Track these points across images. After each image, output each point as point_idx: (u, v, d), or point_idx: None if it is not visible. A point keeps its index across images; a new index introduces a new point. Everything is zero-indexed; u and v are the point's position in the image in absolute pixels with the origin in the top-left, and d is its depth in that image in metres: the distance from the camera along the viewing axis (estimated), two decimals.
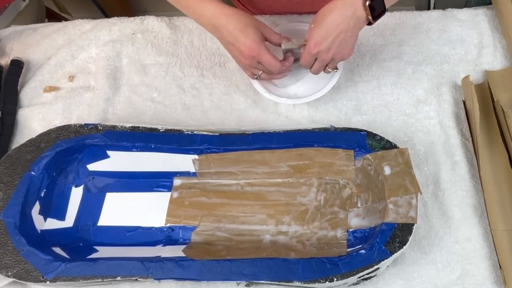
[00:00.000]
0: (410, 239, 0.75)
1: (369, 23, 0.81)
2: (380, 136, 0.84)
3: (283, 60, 0.86)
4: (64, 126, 0.88)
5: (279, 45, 0.86)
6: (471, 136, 0.90)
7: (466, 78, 0.92)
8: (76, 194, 0.89)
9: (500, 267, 0.79)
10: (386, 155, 0.82)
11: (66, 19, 1.25)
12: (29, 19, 1.35)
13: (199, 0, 0.82)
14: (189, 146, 0.86)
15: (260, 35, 0.82)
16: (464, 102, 0.93)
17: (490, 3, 1.04)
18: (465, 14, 1.04)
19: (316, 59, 0.83)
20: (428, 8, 1.58)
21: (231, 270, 0.76)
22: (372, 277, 0.79)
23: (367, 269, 0.74)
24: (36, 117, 0.99)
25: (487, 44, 1.00)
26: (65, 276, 0.77)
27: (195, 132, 0.87)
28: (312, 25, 0.81)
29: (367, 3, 0.77)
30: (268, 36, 0.85)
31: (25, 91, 1.03)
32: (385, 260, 0.74)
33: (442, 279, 0.81)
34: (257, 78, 0.88)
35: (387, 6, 0.80)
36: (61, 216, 0.88)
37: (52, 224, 0.87)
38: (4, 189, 0.83)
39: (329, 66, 0.86)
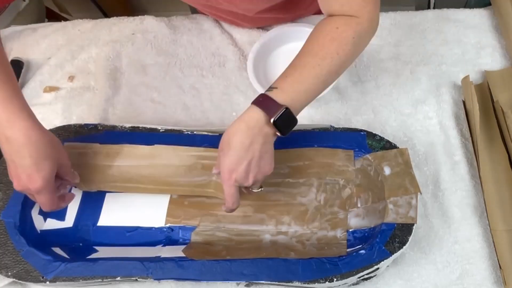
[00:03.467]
0: (410, 239, 0.75)
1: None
2: (380, 136, 0.84)
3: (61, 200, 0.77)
4: (64, 126, 0.89)
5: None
6: (471, 136, 0.90)
7: (466, 78, 0.92)
8: (76, 194, 0.89)
9: (500, 267, 0.79)
10: (386, 155, 0.82)
11: (66, 19, 1.25)
12: (29, 19, 1.35)
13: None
14: (189, 146, 0.86)
15: (53, 173, 0.73)
16: (464, 102, 0.93)
17: (490, 4, 1.04)
18: (462, 14, 1.04)
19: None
20: (428, 8, 1.58)
21: (231, 270, 0.76)
22: (372, 277, 0.79)
23: (367, 269, 0.74)
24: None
25: (486, 44, 1.00)
26: (65, 276, 0.77)
27: (195, 132, 0.87)
28: (219, 154, 0.74)
29: (272, 120, 0.70)
30: (63, 175, 0.77)
31: (25, 91, 1.03)
32: (385, 260, 0.74)
33: (442, 279, 0.81)
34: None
35: (297, 115, 0.73)
36: (61, 216, 0.88)
37: (52, 224, 0.87)
38: (4, 189, 0.83)
39: (252, 187, 0.78)
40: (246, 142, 0.71)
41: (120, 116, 0.99)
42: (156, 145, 0.86)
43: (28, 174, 0.70)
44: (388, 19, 1.04)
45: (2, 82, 0.70)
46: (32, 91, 1.03)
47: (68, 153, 0.77)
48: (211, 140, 0.86)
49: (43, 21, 1.45)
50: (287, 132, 0.73)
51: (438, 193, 0.87)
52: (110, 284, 0.82)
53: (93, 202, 0.89)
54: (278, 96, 0.71)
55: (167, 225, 0.87)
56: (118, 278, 0.77)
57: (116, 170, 0.85)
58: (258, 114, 0.71)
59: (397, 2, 1.42)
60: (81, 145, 0.86)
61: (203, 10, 1.07)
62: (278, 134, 0.73)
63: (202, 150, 0.86)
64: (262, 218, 0.86)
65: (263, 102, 0.71)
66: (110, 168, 0.87)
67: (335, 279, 0.73)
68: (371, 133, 0.84)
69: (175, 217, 0.87)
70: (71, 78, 1.04)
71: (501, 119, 0.87)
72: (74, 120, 0.99)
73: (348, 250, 0.81)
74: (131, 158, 0.86)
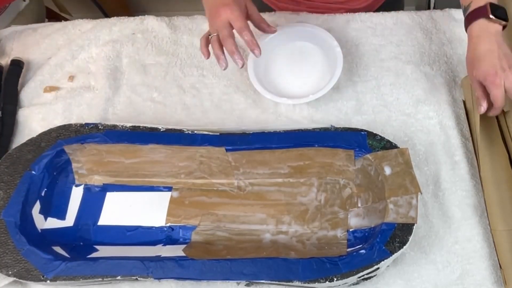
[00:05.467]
0: (410, 239, 0.75)
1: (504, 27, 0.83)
2: (380, 136, 0.84)
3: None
4: (64, 125, 0.89)
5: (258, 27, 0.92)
6: (471, 136, 0.90)
7: (465, 78, 0.92)
8: (77, 194, 0.89)
9: (501, 267, 0.79)
10: (387, 155, 0.82)
11: (66, 19, 1.25)
12: (29, 19, 1.35)
13: None
14: (189, 146, 0.86)
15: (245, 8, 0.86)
16: (464, 102, 0.93)
17: None
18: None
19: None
20: (428, 8, 1.58)
21: (231, 269, 0.76)
22: (372, 277, 0.79)
23: (367, 269, 0.74)
24: (36, 117, 0.99)
25: None
26: (65, 275, 0.77)
27: (195, 131, 0.87)
28: (474, 72, 0.81)
29: (490, 16, 0.80)
30: (251, 13, 0.89)
31: (25, 91, 1.03)
32: (385, 260, 0.74)
33: (442, 279, 0.81)
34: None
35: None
36: (61, 216, 0.88)
37: (52, 223, 0.87)
38: (4, 188, 0.83)
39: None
40: (488, 47, 0.80)
41: (120, 116, 0.99)
42: (153, 145, 0.86)
43: (225, 4, 0.82)
44: (390, 19, 1.04)
45: None
46: (32, 91, 1.03)
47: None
48: (212, 140, 0.86)
49: (43, 21, 1.45)
50: (506, 16, 0.81)
51: (438, 193, 0.87)
52: (111, 284, 0.82)
53: (93, 201, 0.89)
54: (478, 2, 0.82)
55: (168, 225, 0.87)
56: (119, 278, 0.77)
57: (120, 165, 0.86)
58: (479, 23, 0.82)
59: None
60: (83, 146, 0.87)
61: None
62: (503, 22, 0.81)
63: (202, 149, 0.86)
64: (262, 217, 0.86)
65: (474, 13, 0.82)
66: (114, 163, 0.88)
67: (335, 279, 0.73)
68: (372, 133, 0.84)
69: (175, 216, 0.87)
70: (71, 78, 1.04)
71: (501, 119, 0.88)
72: (74, 120, 0.98)
73: (348, 249, 0.81)
74: (133, 155, 0.86)
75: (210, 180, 0.89)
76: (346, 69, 0.99)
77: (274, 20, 1.06)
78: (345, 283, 0.76)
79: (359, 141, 0.84)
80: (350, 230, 0.83)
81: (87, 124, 0.88)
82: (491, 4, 0.81)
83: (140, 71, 1.04)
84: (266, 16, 1.08)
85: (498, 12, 0.81)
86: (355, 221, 0.84)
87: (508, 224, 0.81)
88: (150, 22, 1.09)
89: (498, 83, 0.78)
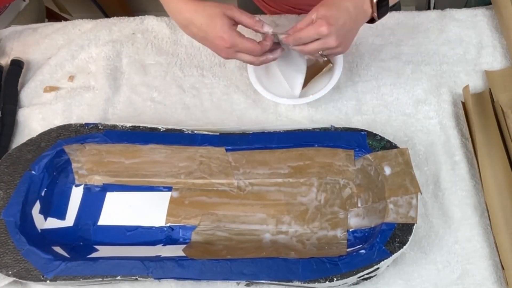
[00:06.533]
0: (410, 239, 0.75)
1: (371, 21, 0.82)
2: (380, 136, 0.84)
3: (262, 41, 0.82)
4: (64, 125, 0.89)
5: (253, 28, 0.82)
6: (471, 136, 0.90)
7: (466, 88, 0.92)
8: (77, 194, 0.89)
9: (503, 268, 0.79)
10: (386, 155, 0.82)
11: (66, 19, 1.25)
12: (29, 19, 1.35)
13: None
14: (189, 146, 0.86)
15: (229, 22, 0.79)
16: (463, 103, 0.93)
17: (490, 3, 1.04)
18: (464, 14, 1.04)
19: (317, 39, 0.79)
20: (428, 8, 1.58)
21: (231, 269, 0.76)
22: (372, 277, 0.79)
23: (367, 269, 0.74)
24: (36, 117, 0.99)
25: (487, 44, 1.00)
26: (65, 275, 0.77)
27: (195, 131, 0.87)
28: (320, 5, 0.78)
29: (374, 0, 0.78)
30: (238, 20, 0.80)
31: (25, 91, 1.03)
32: (385, 260, 0.74)
33: (442, 279, 0.81)
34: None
35: (390, 4, 0.81)
36: (61, 216, 0.88)
37: (52, 223, 0.87)
38: (4, 188, 0.83)
39: (328, 52, 0.82)
40: (350, 9, 0.77)
41: (120, 116, 0.99)
42: (153, 145, 0.86)
43: (213, 37, 0.78)
44: (391, 19, 1.04)
45: None
46: (32, 91, 1.03)
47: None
48: (212, 140, 0.86)
49: (43, 21, 1.45)
50: (380, 16, 0.81)
51: (438, 193, 0.87)
52: (111, 284, 0.82)
53: (93, 201, 0.89)
54: None
55: (168, 225, 0.87)
56: (119, 277, 0.77)
57: (120, 165, 0.86)
58: None
59: None
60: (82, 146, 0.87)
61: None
62: (375, 15, 0.80)
63: (202, 149, 0.86)
64: (262, 217, 0.86)
65: None
66: (114, 163, 0.88)
67: (335, 279, 0.73)
68: (372, 133, 0.84)
69: (175, 216, 0.87)
70: (71, 78, 1.04)
71: (501, 119, 0.88)
72: (74, 119, 0.99)
73: (348, 249, 0.81)
74: (133, 155, 0.86)
75: (210, 180, 0.89)
76: (346, 69, 0.99)
77: (274, 20, 1.07)
78: (345, 283, 0.76)
79: (359, 141, 0.84)
80: (350, 230, 0.83)
81: (87, 124, 0.88)
82: None
83: (140, 71, 1.04)
84: (267, 17, 1.08)
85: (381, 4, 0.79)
86: (355, 221, 0.84)
87: (510, 225, 0.81)
88: (150, 22, 1.09)
89: (326, 32, 0.76)
